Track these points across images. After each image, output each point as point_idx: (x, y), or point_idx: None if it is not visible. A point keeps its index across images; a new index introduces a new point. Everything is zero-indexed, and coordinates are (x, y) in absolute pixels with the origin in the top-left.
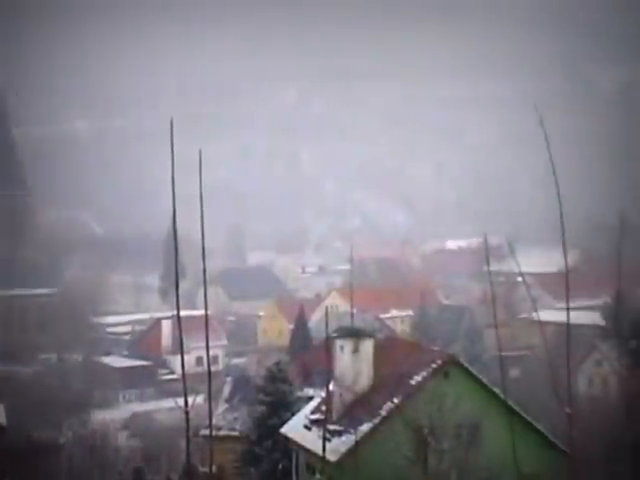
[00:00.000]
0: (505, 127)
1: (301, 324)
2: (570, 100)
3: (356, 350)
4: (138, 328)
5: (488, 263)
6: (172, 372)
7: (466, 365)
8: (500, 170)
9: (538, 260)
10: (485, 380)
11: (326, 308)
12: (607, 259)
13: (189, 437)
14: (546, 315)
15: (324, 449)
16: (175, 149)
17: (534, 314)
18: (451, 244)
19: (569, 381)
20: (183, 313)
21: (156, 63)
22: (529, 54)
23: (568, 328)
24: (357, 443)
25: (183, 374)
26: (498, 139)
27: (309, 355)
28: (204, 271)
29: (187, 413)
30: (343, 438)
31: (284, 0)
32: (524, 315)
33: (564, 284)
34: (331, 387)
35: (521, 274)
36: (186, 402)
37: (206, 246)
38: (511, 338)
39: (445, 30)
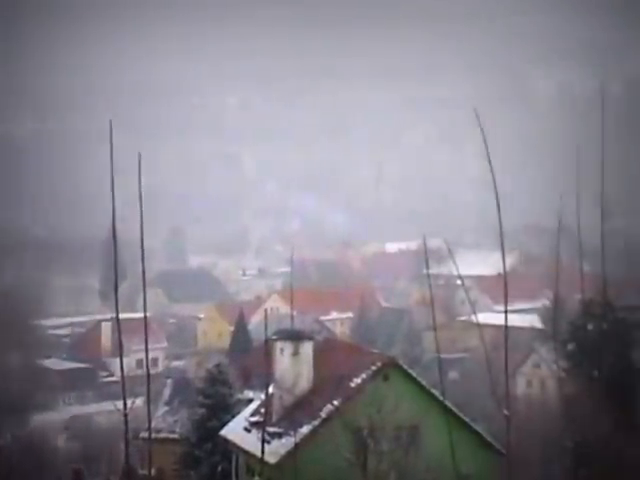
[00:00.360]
0: (443, 128)
1: (241, 326)
2: (507, 101)
3: (296, 352)
4: (78, 330)
5: (427, 266)
6: (112, 374)
7: (405, 367)
8: (439, 172)
9: (477, 263)
10: (424, 382)
11: (265, 310)
12: (545, 261)
13: (128, 439)
14: (485, 318)
15: (263, 451)
16: (115, 151)
17: (473, 317)
18: (391, 247)
19: (507, 383)
20: (123, 315)
21: (92, 64)
22: (466, 55)
23: (506, 331)
24: (297, 445)
25: (122, 377)
26: (437, 140)
27: (249, 357)
28: (143, 273)
29: (126, 415)
30: (283, 440)
31: (221, 1)
32: (463, 317)
33: (503, 287)
34: (271, 389)
35: (460, 277)
36: (125, 404)
37: (146, 248)
38: (450, 340)
39: (382, 31)
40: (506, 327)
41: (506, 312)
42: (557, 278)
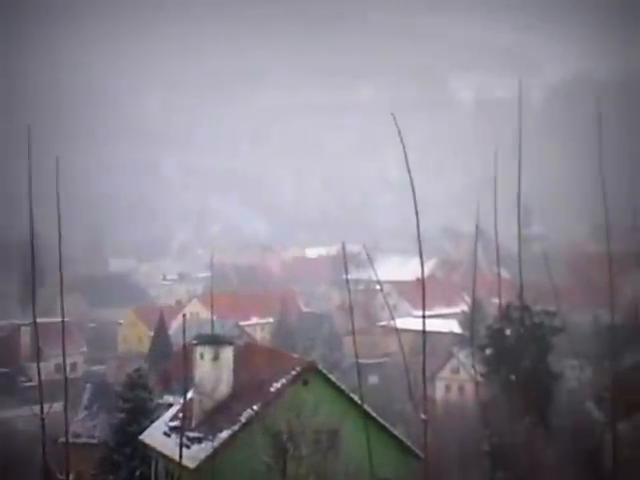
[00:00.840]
0: (364, 133)
1: (161, 331)
2: (426, 106)
3: (216, 357)
4: None
5: (346, 271)
6: (31, 379)
7: (325, 372)
8: (359, 177)
9: (397, 268)
10: (343, 387)
11: (184, 315)
12: (464, 266)
13: (45, 444)
14: (404, 323)
15: (180, 456)
16: (33, 154)
17: (392, 322)
18: (311, 252)
19: (424, 388)
20: (42, 320)
21: (12, 68)
22: (385, 61)
23: (424, 335)
24: (216, 450)
25: (39, 381)
26: (357, 145)
27: (169, 362)
28: (61, 277)
29: (43, 420)
30: (202, 445)
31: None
32: (383, 323)
33: (422, 292)
34: (191, 394)
35: (378, 282)
36: (42, 409)
37: (66, 253)
38: (370, 345)
39: (304, 38)
40: (424, 332)
41: (424, 317)
42: (474, 283)
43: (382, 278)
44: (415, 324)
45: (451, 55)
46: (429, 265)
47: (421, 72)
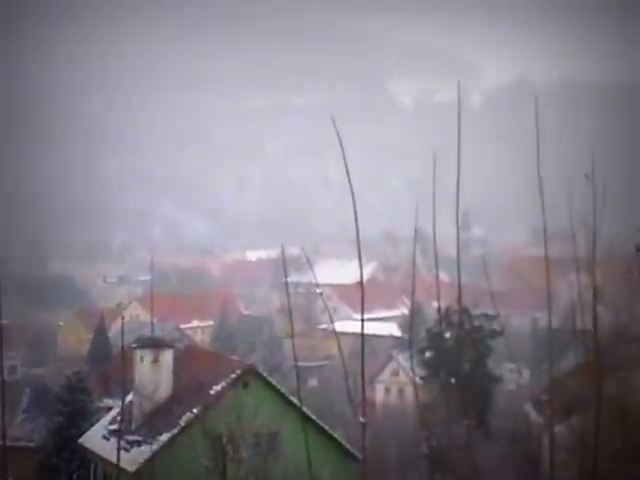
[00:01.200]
0: (305, 136)
1: (101, 334)
2: (366, 110)
3: (156, 360)
4: None
5: (285, 274)
6: None
7: (265, 375)
8: (300, 180)
9: (337, 271)
10: (283, 390)
11: (122, 318)
12: (404, 270)
13: None
14: (344, 326)
15: (119, 459)
16: None
17: (333, 325)
18: (251, 254)
19: (363, 391)
20: None
21: None
22: (326, 64)
23: (362, 338)
24: (155, 453)
25: None
26: (298, 149)
27: (109, 365)
28: None
29: None
30: (142, 448)
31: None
32: (324, 326)
33: (357, 297)
34: (131, 397)
35: (317, 285)
36: None
37: (5, 255)
38: (311, 348)
39: (245, 41)
40: (362, 335)
41: (362, 320)
42: (413, 286)
43: (322, 281)
44: (355, 327)
45: (391, 59)
46: (369, 268)
47: (361, 76)
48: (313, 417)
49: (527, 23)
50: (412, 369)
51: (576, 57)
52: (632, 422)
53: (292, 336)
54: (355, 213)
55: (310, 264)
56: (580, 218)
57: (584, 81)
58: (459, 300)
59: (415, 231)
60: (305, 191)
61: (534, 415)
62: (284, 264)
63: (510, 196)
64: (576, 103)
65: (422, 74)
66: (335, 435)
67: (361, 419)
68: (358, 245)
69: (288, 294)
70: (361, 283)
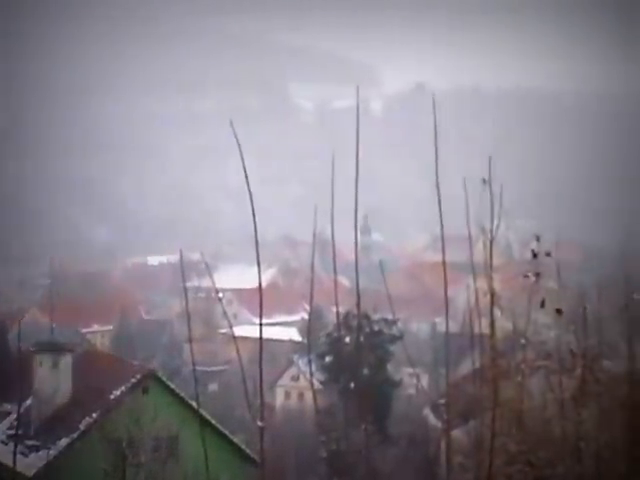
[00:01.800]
0: (205, 141)
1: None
2: (266, 115)
3: (55, 364)
4: None
5: (184, 279)
6: None
7: (165, 379)
8: (201, 185)
9: (237, 276)
10: (183, 394)
11: (19, 322)
12: (304, 274)
13: None
14: (245, 330)
15: (14, 463)
16: None
17: (232, 329)
18: (152, 259)
19: (261, 395)
20: None
21: None
22: (226, 70)
23: (260, 343)
24: (54, 458)
25: None
26: (199, 153)
27: (8, 369)
28: None
29: None
30: (40, 453)
31: None
32: (224, 330)
33: (264, 300)
34: (29, 402)
35: (216, 290)
36: None
37: None
38: (211, 353)
39: (143, 45)
40: (260, 339)
41: (261, 325)
42: (311, 291)
43: (224, 286)
44: (255, 332)
45: (291, 65)
46: (269, 273)
47: (261, 81)
48: (212, 421)
49: (428, 29)
50: (310, 373)
51: (476, 64)
52: (527, 426)
53: (190, 340)
54: (254, 217)
55: (209, 269)
56: (478, 223)
57: (484, 88)
58: (358, 305)
59: (314, 236)
60: (206, 195)
61: (432, 419)
62: (182, 269)
63: (410, 201)
64: (476, 109)
65: (323, 79)
66: (234, 439)
67: (259, 423)
68: (257, 250)
69: (186, 299)
70: (259, 287)
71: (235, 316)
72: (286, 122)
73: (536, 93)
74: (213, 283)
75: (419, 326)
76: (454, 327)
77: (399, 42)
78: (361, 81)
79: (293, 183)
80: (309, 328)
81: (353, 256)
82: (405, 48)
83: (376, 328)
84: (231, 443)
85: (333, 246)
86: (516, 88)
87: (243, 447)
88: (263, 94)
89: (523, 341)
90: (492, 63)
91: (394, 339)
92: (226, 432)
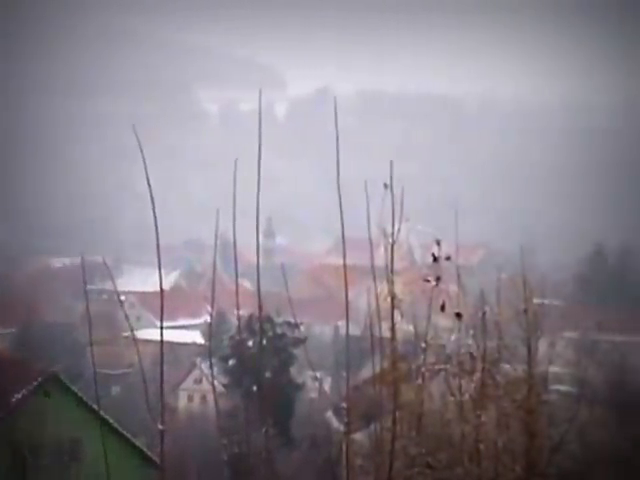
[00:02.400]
0: (108, 144)
1: None
2: (172, 119)
3: None
4: None
5: (85, 282)
6: None
7: (67, 382)
8: (104, 188)
9: (142, 279)
10: (85, 397)
11: None
12: (208, 278)
13: None
14: (149, 334)
15: None
16: None
17: (136, 332)
18: (56, 261)
19: (161, 398)
20: None
21: None
22: (128, 73)
23: (161, 346)
24: None
25: None
26: (100, 156)
27: None
28: None
29: None
30: None
31: None
32: (127, 333)
33: (166, 303)
34: None
35: (117, 293)
36: None
37: None
38: (115, 356)
39: (45, 48)
40: (161, 341)
41: (162, 328)
42: (213, 294)
43: (127, 289)
44: (158, 335)
45: (196, 67)
46: (173, 276)
47: (166, 84)
48: (114, 424)
49: (332, 32)
50: (212, 376)
51: (380, 68)
52: (427, 429)
53: (91, 343)
54: (155, 220)
55: (110, 271)
56: (379, 227)
57: (388, 91)
58: (259, 308)
59: (215, 239)
60: (110, 199)
61: (335, 422)
62: (83, 272)
63: (314, 205)
64: (379, 113)
65: (228, 82)
66: (136, 442)
67: (159, 426)
68: (158, 253)
69: (87, 301)
70: (161, 290)
71: (139, 319)
72: (190, 125)
73: (438, 97)
74: (115, 286)
75: (322, 329)
76: (356, 330)
77: (303, 45)
78: (265, 84)
79: (197, 186)
80: (209, 331)
81: (255, 259)
82: (309, 51)
83: (279, 331)
84: (133, 446)
85: (235, 250)
86: (419, 92)
87: (144, 449)
88: (167, 96)
89: (423, 344)
90: (395, 66)
91: (297, 342)
92: (128, 435)
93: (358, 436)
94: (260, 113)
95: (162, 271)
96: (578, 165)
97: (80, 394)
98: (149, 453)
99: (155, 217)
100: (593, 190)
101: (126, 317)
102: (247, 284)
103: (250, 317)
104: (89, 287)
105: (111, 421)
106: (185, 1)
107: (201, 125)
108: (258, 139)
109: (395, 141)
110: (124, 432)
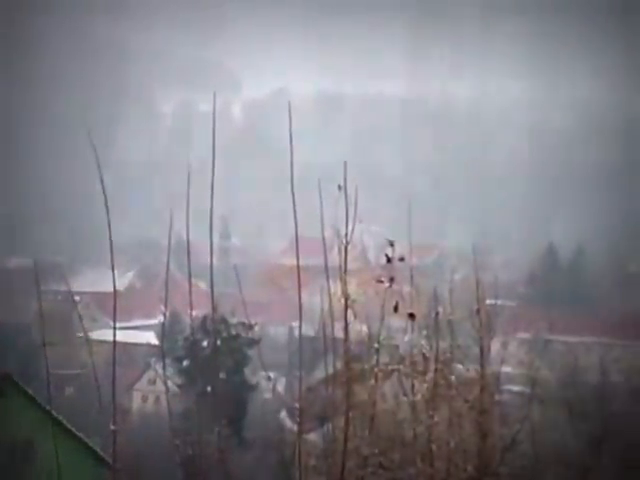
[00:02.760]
0: (58, 144)
1: None
2: (127, 121)
3: None
4: None
5: (37, 282)
6: None
7: (20, 383)
8: (57, 187)
9: (97, 280)
10: (39, 398)
11: None
12: (163, 278)
13: None
14: (103, 334)
15: None
16: None
17: (91, 333)
18: (10, 262)
19: (114, 399)
20: None
21: None
22: (81, 74)
23: (114, 346)
24: None
25: None
26: (54, 156)
27: None
28: None
29: None
30: None
31: None
32: (82, 334)
33: (120, 304)
34: None
35: (72, 293)
36: None
37: None
38: (68, 356)
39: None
40: (114, 342)
41: (115, 328)
42: (166, 294)
43: (82, 289)
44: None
45: (151, 69)
46: (128, 277)
47: (120, 86)
48: (67, 425)
49: (291, 34)
50: (164, 377)
51: (337, 70)
52: (380, 429)
53: (44, 344)
54: (108, 222)
55: (64, 272)
56: (333, 228)
57: (344, 93)
58: (213, 309)
59: (169, 238)
60: (64, 199)
61: (289, 422)
62: (36, 272)
63: (269, 205)
64: (335, 115)
65: (183, 83)
66: (89, 442)
67: (112, 427)
68: (111, 253)
69: (40, 302)
70: (114, 291)
71: (94, 320)
72: (146, 126)
73: (395, 98)
74: (68, 286)
75: (276, 330)
76: (309, 331)
77: (260, 46)
78: (221, 86)
79: (154, 187)
80: (163, 332)
81: (212, 260)
82: (266, 52)
83: (233, 332)
84: (86, 446)
85: (188, 250)
86: (376, 93)
87: (97, 450)
88: (122, 98)
89: (376, 345)
90: (353, 68)
91: (251, 343)
92: (81, 435)
93: (312, 436)
94: (214, 114)
95: (116, 272)
96: (532, 165)
97: (33, 395)
98: (102, 454)
99: (108, 218)
100: (546, 190)
101: (80, 318)
102: (202, 285)
103: (204, 318)
104: (43, 288)
105: (64, 422)
106: (141, 2)
107: (155, 126)
108: (212, 140)
109: (350, 142)
110: (77, 433)
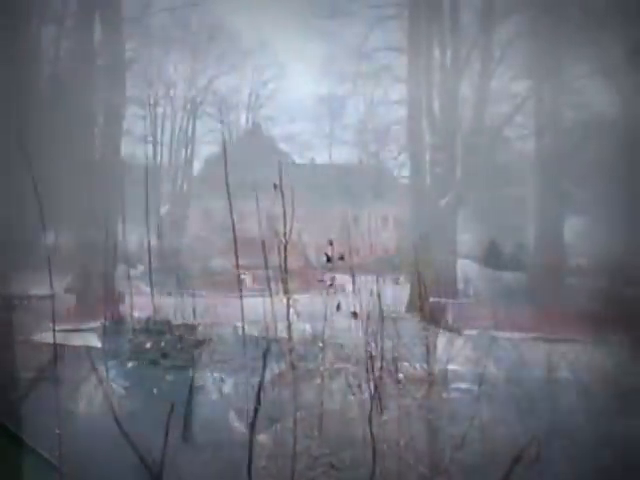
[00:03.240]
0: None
1: None
2: (59, 119)
3: None
4: None
5: None
6: None
7: None
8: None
9: (34, 283)
10: None
11: None
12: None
13: None
14: (45, 337)
15: None
16: None
17: (32, 336)
18: None
19: (58, 402)
20: None
21: None
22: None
23: (54, 349)
24: None
25: None
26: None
27: None
28: None
29: None
30: None
31: None
32: (23, 337)
33: (62, 306)
34: None
35: (11, 297)
36: None
37: None
38: (11, 361)
39: None
40: (54, 345)
41: (54, 331)
42: (107, 297)
43: (23, 293)
44: (53, 338)
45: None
46: (66, 280)
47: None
48: (12, 429)
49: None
50: (108, 380)
51: (282, 71)
52: (329, 429)
53: None
54: (43, 225)
55: (4, 275)
56: (272, 228)
57: (288, 95)
58: (154, 310)
59: (106, 237)
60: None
61: (237, 424)
62: None
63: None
64: (274, 116)
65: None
66: (35, 447)
67: (57, 430)
68: (48, 257)
69: None
70: (52, 295)
71: (36, 323)
72: (79, 125)
73: (337, 99)
74: (8, 290)
75: (222, 330)
76: (254, 331)
77: (185, 47)
78: (152, 88)
79: (87, 189)
80: (103, 334)
81: (153, 261)
82: (192, 54)
83: (177, 333)
84: (32, 450)
85: (126, 252)
86: (318, 95)
87: (44, 454)
88: (56, 96)
89: (321, 344)
90: (297, 69)
91: (197, 344)
92: (26, 439)
93: (262, 438)
94: (150, 117)
95: (53, 275)
96: (474, 165)
97: None
98: (49, 457)
99: (43, 220)
100: (490, 187)
101: (20, 321)
102: (144, 287)
103: (147, 319)
104: None
105: (9, 426)
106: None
107: (90, 126)
108: (152, 142)
109: (288, 143)
110: (22, 437)
